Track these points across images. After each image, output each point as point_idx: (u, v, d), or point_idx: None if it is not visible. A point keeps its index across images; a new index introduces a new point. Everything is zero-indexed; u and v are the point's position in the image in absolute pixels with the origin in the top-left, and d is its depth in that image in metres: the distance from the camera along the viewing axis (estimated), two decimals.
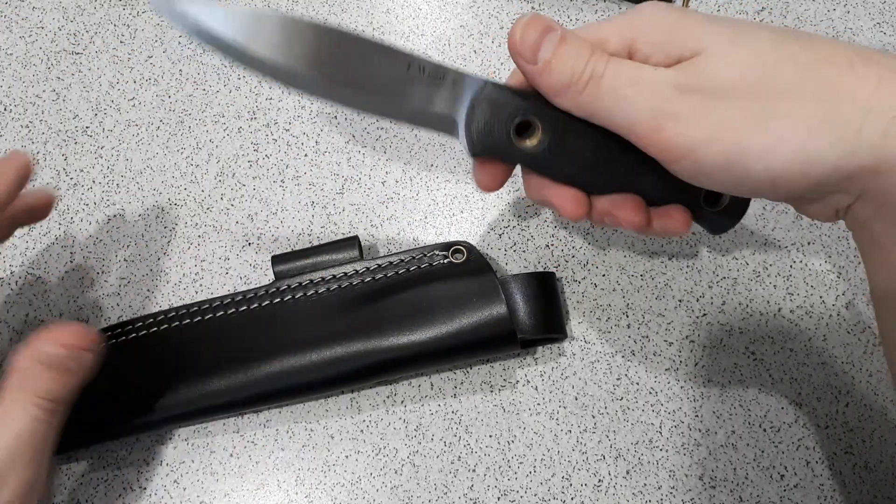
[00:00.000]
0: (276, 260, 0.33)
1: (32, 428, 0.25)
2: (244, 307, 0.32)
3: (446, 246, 0.33)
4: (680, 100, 0.21)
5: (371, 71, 0.25)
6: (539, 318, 0.32)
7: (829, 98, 0.20)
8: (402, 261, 0.33)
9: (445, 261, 0.32)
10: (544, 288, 0.32)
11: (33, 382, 0.25)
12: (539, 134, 0.26)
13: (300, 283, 0.33)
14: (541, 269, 0.35)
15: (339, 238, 0.34)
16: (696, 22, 0.23)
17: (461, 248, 0.33)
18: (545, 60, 0.23)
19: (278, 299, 0.32)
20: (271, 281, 0.33)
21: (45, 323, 0.26)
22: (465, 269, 0.32)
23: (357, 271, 0.33)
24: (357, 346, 0.31)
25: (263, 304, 0.32)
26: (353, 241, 0.34)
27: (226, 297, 0.33)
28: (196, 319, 0.32)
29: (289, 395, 0.32)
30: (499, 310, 0.30)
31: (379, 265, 0.33)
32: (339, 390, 0.33)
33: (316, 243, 0.36)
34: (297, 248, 0.36)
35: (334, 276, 0.33)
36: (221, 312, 0.32)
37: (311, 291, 0.32)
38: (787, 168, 0.21)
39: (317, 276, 0.33)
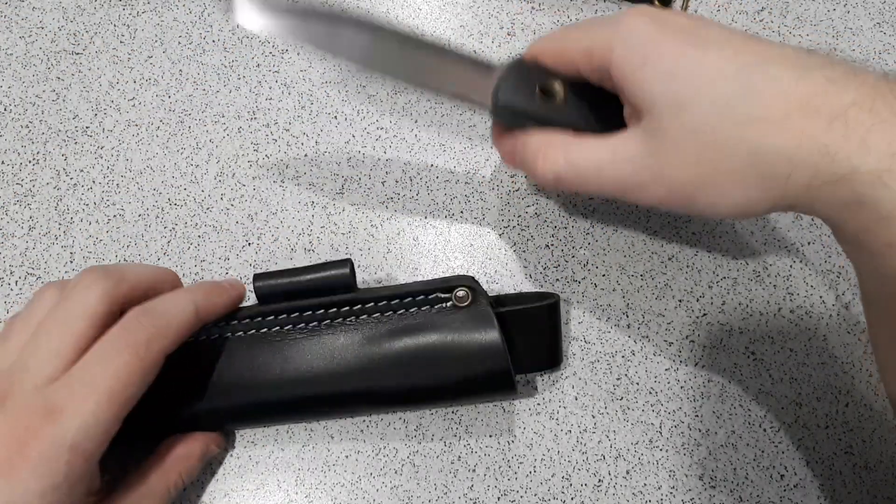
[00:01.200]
0: (258, 278, 0.31)
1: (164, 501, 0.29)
2: (228, 333, 0.31)
3: (448, 287, 0.30)
4: (638, 172, 0.26)
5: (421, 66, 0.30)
6: (540, 356, 0.31)
7: (760, 154, 0.23)
8: (401, 301, 0.31)
9: (448, 304, 0.30)
10: (548, 323, 0.31)
11: (185, 469, 0.30)
12: (560, 92, 0.29)
13: (288, 315, 0.31)
14: (540, 272, 0.35)
15: (330, 260, 0.32)
16: (655, 76, 0.25)
17: (464, 288, 0.30)
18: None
19: (265, 329, 0.31)
20: (255, 302, 0.32)
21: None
22: (467, 317, 0.30)
23: (351, 309, 0.31)
24: (350, 387, 0.30)
25: (249, 332, 0.31)
26: (345, 264, 0.31)
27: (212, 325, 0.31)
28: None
29: (273, 422, 0.32)
30: (500, 365, 0.29)
31: (375, 304, 0.31)
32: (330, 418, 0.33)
33: (316, 243, 0.36)
34: (297, 247, 0.36)
35: (325, 312, 0.31)
36: (204, 337, 0.31)
37: (301, 325, 0.31)
38: (731, 212, 0.25)
39: (304, 303, 0.31)
